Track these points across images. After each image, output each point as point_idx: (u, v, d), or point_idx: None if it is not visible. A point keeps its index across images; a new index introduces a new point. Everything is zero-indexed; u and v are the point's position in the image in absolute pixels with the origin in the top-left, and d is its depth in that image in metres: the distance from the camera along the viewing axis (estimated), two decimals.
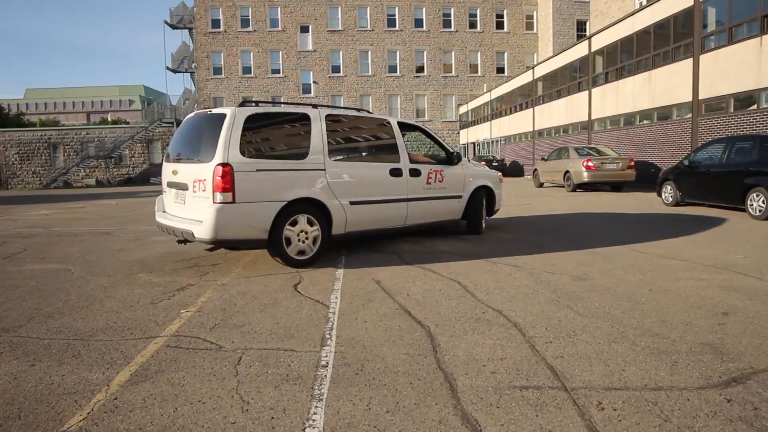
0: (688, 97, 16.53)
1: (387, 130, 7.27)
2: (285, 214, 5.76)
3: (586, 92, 23.53)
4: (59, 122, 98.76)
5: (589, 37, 23.32)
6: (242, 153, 5.52)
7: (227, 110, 5.66)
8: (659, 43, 18.25)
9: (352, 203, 6.42)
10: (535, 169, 20.41)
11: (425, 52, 50.16)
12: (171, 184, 6.19)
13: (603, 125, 22.54)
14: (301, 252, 5.99)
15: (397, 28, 49.87)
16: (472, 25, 50.34)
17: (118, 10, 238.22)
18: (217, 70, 49.50)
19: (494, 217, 9.92)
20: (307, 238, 5.99)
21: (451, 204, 7.97)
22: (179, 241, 6.17)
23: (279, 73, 49.72)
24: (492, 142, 38.42)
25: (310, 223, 6.01)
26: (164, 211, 6.49)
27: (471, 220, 8.39)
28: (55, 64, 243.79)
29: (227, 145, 5.43)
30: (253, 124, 5.73)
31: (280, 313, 4.22)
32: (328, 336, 3.65)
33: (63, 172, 47.07)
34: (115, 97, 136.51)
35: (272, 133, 6.13)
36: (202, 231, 5.42)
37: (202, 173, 5.50)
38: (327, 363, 3.16)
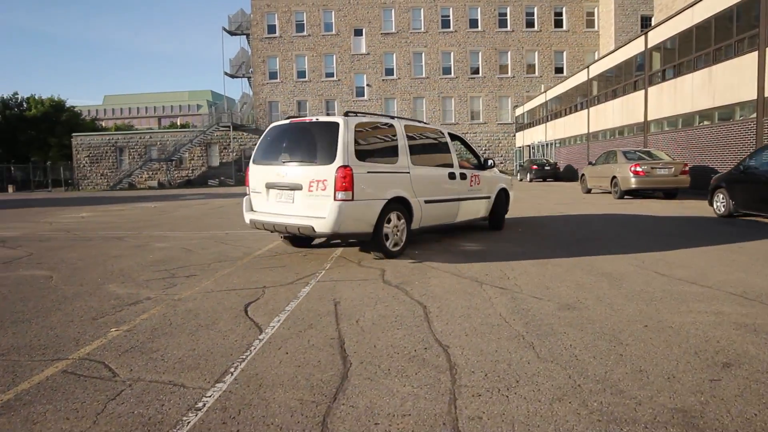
0: (752, 95, 14.97)
1: (442, 139, 8.41)
2: (384, 211, 6.60)
3: (642, 91, 22.00)
4: (133, 126, 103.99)
5: (646, 32, 21.78)
6: (356, 157, 6.35)
7: (338, 119, 6.50)
8: (721, 36, 16.70)
9: (426, 201, 7.42)
10: (582, 174, 19.19)
11: (480, 53, 49.05)
12: (274, 185, 6.80)
13: (660, 126, 20.98)
14: (396, 244, 6.91)
15: (451, 29, 49.06)
16: (530, 24, 48.79)
17: (185, 18, 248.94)
18: (273, 75, 50.34)
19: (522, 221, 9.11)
20: (399, 232, 6.92)
21: (483, 204, 9.14)
22: (285, 237, 7.49)
23: (333, 76, 49.99)
24: (547, 144, 36.93)
25: (399, 219, 6.91)
26: (257, 210, 7.11)
27: (495, 217, 9.55)
28: (130, 72, 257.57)
29: (345, 149, 6.26)
30: (360, 131, 6.64)
31: (206, 337, 3.80)
32: (232, 369, 3.18)
33: (127, 175, 49.22)
34: (184, 102, 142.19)
35: (373, 139, 7.04)
36: (325, 225, 6.16)
37: (321, 174, 6.27)
38: (203, 406, 2.69)
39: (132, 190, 43.59)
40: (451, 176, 8.14)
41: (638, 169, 15.06)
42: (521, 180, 33.56)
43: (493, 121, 49.40)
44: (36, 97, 70.48)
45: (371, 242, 6.76)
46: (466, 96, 49.41)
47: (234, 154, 49.86)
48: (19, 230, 11.56)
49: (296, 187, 6.50)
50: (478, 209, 8.99)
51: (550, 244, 7.81)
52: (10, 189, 48.61)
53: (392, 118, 7.50)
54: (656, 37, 20.86)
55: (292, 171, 6.62)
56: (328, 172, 6.22)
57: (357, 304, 4.62)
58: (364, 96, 49.90)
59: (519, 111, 46.68)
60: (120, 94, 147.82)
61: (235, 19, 51.78)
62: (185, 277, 6.01)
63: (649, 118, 21.52)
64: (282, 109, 49.99)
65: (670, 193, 15.95)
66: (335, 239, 7.12)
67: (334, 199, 6.15)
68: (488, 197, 9.20)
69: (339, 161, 6.20)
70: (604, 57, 26.93)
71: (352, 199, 6.20)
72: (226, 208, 16.78)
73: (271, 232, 7.07)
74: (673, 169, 14.99)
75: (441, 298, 4.79)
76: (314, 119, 6.83)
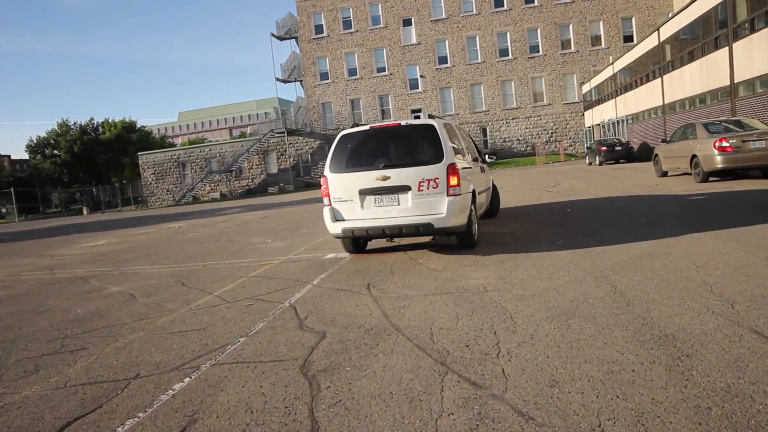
0: None
1: (465, 134, 9.32)
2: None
3: (725, 49, 18.57)
4: (206, 140, 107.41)
5: None
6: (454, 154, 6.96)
7: (431, 121, 7.08)
8: None
9: (479, 192, 7.96)
10: (656, 155, 16.21)
11: (539, 30, 45.58)
12: (372, 191, 6.88)
13: (751, 89, 17.56)
14: (475, 234, 7.45)
15: (505, 7, 45.94)
16: None
17: (247, 29, 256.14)
18: (324, 76, 49.35)
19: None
20: (476, 222, 7.50)
21: (487, 194, 9.60)
22: (389, 240, 8.27)
23: (384, 71, 48.30)
24: (618, 121, 33.29)
25: (474, 210, 7.40)
26: (349, 219, 7.05)
27: (492, 206, 10.36)
28: (201, 87, 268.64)
29: (448, 148, 6.81)
30: (447, 131, 7.27)
31: None
32: None
33: (190, 189, 49.95)
34: (252, 111, 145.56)
35: (453, 138, 7.58)
36: (443, 221, 6.60)
37: (431, 173, 6.66)
38: None
39: (195, 204, 44.02)
40: (482, 170, 9.28)
41: (724, 144, 12.15)
42: (590, 164, 30.28)
43: (558, 102, 45.80)
44: (109, 121, 73.85)
45: (463, 234, 7.09)
46: (526, 77, 46.13)
47: (291, 159, 49.38)
48: None
49: (403, 189, 6.71)
50: (487, 199, 9.58)
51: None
52: (85, 211, 50.66)
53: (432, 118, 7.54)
54: None
55: (397, 174, 6.75)
56: (439, 170, 6.64)
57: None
58: (418, 88, 47.85)
59: (586, 88, 42.89)
60: (193, 110, 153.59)
61: (283, 24, 51.24)
62: (69, 352, 4.50)
63: (736, 80, 18.11)
64: (336, 110, 48.93)
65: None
66: (445, 234, 7.12)
67: (447, 195, 6.60)
68: (489, 188, 9.91)
69: (448, 159, 6.68)
70: (676, 14, 23.38)
71: (459, 194, 6.66)
72: (248, 225, 15.46)
73: (365, 238, 7.58)
74: None
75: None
76: (402, 123, 7.24)
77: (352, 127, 7.51)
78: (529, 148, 45.88)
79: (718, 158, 12.23)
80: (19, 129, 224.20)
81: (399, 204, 6.77)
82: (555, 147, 45.27)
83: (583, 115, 44.70)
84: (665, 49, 24.81)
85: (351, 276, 6.32)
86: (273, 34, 50.79)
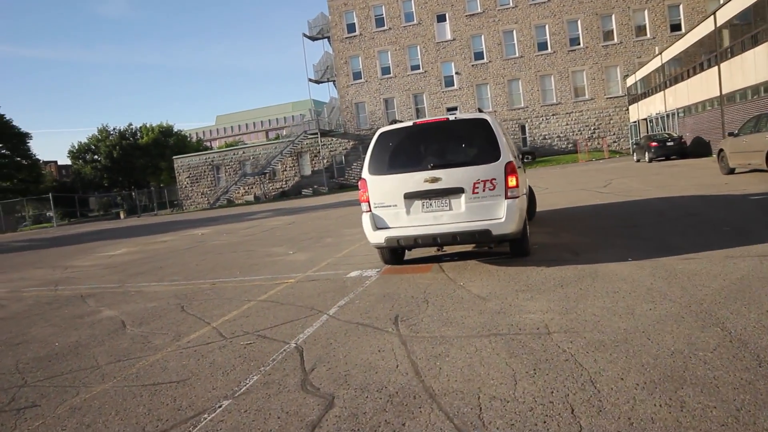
0: None
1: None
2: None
3: None
4: (241, 143, 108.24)
5: None
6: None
7: (484, 116, 6.27)
8: None
9: (524, 195, 6.77)
10: (721, 150, 14.52)
11: (579, 21, 43.50)
12: (420, 194, 6.09)
13: None
14: (528, 241, 6.64)
15: None
16: None
17: (280, 31, 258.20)
18: (357, 75, 48.43)
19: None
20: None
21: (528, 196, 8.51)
22: (439, 249, 7.25)
23: (419, 69, 47.03)
24: (667, 115, 31.16)
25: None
26: (393, 227, 6.27)
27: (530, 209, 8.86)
28: (238, 90, 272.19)
29: (504, 145, 6.02)
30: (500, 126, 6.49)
31: None
32: None
33: (224, 192, 49.75)
34: (288, 114, 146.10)
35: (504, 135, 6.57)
36: (503, 227, 5.80)
37: (488, 174, 5.87)
38: None
39: (228, 207, 43.71)
40: (523, 171, 8.06)
41: None
42: (638, 161, 28.35)
43: (601, 96, 43.61)
44: (147, 126, 74.95)
45: (518, 241, 6.32)
46: (566, 71, 44.10)
47: (325, 161, 48.64)
48: (4, 285, 9.92)
49: (456, 192, 5.97)
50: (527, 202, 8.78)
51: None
52: (122, 215, 51.09)
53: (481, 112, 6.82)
54: None
55: (448, 174, 5.98)
56: (496, 170, 5.90)
57: None
58: (453, 85, 46.41)
59: (630, 81, 40.63)
60: (229, 113, 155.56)
61: (315, 24, 50.58)
62: (15, 412, 3.57)
63: None
64: (369, 110, 47.95)
65: None
66: (503, 241, 6.34)
67: (506, 197, 5.87)
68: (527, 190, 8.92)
69: (505, 157, 5.93)
70: None
71: (518, 196, 5.92)
72: (272, 233, 14.52)
73: (411, 247, 6.53)
74: None
75: None
76: (451, 118, 6.33)
77: (391, 123, 6.69)
78: (570, 146, 43.89)
79: None
80: (63, 136, 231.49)
81: (451, 209, 6.02)
82: (598, 144, 43.15)
83: (627, 109, 42.43)
84: (723, 35, 22.80)
85: (376, 304, 5.18)
86: (305, 35, 50.18)
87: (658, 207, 9.87)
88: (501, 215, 5.85)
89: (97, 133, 72.44)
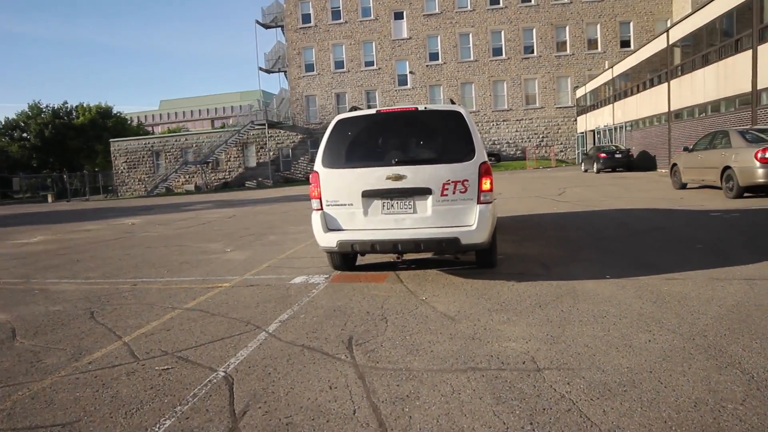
0: None
1: None
2: None
3: (749, 52, 16.99)
4: (187, 130, 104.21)
5: None
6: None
7: (458, 108, 5.57)
8: None
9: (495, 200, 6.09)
10: (674, 164, 14.51)
11: (534, 30, 43.94)
12: (382, 193, 5.33)
13: None
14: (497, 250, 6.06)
15: (501, 5, 44.18)
16: None
17: (232, 18, 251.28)
18: (309, 67, 47.16)
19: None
20: None
21: None
22: (399, 257, 6.01)
23: (373, 65, 46.25)
24: (615, 128, 31.75)
25: None
26: (347, 229, 5.47)
27: None
28: (185, 77, 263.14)
29: (479, 143, 5.37)
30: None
31: None
32: None
33: (163, 179, 47.35)
34: (235, 103, 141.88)
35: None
36: (474, 236, 5.14)
37: (459, 174, 5.20)
38: None
39: (167, 196, 41.53)
40: None
41: None
42: (586, 171, 28.70)
43: (551, 105, 44.23)
44: (84, 105, 70.73)
45: (486, 251, 5.68)
46: (519, 78, 44.46)
47: (271, 153, 47.09)
48: None
49: (422, 192, 5.25)
50: None
51: None
52: (50, 198, 47.78)
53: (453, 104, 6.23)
54: None
55: (415, 172, 5.26)
56: (469, 170, 5.24)
57: None
58: (407, 84, 45.90)
59: (580, 92, 41.37)
60: (174, 99, 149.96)
61: (269, 11, 48.93)
62: None
63: (759, 87, 16.53)
64: (320, 103, 46.79)
65: None
66: (467, 251, 5.67)
67: (478, 202, 5.23)
68: None
69: (480, 156, 5.30)
70: (690, 14, 21.79)
71: (491, 201, 5.32)
72: (210, 226, 13.42)
73: (367, 253, 5.70)
74: None
75: None
76: (422, 108, 5.60)
77: (351, 110, 5.91)
78: (519, 152, 44.29)
79: (760, 171, 10.55)
80: None
81: (415, 212, 5.30)
82: (546, 152, 43.75)
83: (575, 120, 43.22)
84: (674, 53, 23.24)
85: (324, 320, 4.38)
86: (258, 22, 48.44)
87: (619, 219, 9.52)
88: (471, 222, 5.18)
89: (27, 110, 67.62)
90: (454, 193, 5.19)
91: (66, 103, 70.76)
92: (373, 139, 5.74)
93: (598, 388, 2.87)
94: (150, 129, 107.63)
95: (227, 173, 48.46)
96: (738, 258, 5.85)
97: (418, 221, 5.28)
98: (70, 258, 9.01)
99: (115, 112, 72.68)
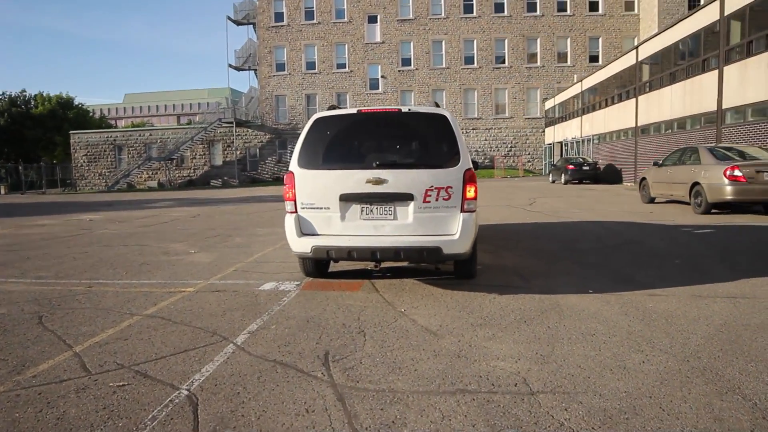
0: None
1: None
2: None
3: (715, 72, 17.41)
4: (152, 125, 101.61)
5: None
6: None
7: (443, 111, 5.35)
8: None
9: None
10: (644, 179, 14.70)
11: (506, 41, 44.42)
12: (361, 197, 5.03)
13: (741, 116, 16.41)
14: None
15: (474, 14, 44.53)
16: (561, 8, 43.96)
17: (205, 15, 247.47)
18: (280, 67, 46.51)
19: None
20: None
21: None
22: (376, 265, 5.58)
23: (345, 67, 45.93)
24: (582, 141, 32.28)
25: None
26: (323, 234, 5.15)
27: None
28: (151, 71, 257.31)
29: (464, 148, 5.18)
30: None
31: None
32: None
33: (125, 175, 45.93)
34: (203, 100, 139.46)
35: None
36: (456, 245, 4.91)
37: (443, 180, 4.98)
38: None
39: (128, 192, 40.26)
40: None
41: (737, 173, 10.63)
42: (553, 182, 29.02)
43: (520, 116, 44.74)
44: (44, 95, 68.25)
45: (466, 262, 5.47)
46: (490, 88, 44.85)
47: (238, 152, 46.20)
48: None
49: (404, 198, 5.02)
50: None
51: None
52: (2, 190, 45.74)
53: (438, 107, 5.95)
54: (738, 0, 16.28)
55: (397, 177, 5.02)
56: (454, 176, 5.01)
57: None
58: (378, 88, 45.73)
59: (549, 104, 41.99)
60: (140, 93, 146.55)
61: (241, 8, 48.09)
62: None
63: (724, 106, 16.95)
64: (290, 104, 46.19)
65: None
66: (448, 260, 5.40)
67: (462, 211, 5.00)
68: None
69: (465, 162, 5.09)
70: (660, 33, 22.27)
71: (474, 210, 5.10)
72: (173, 225, 12.89)
73: (343, 259, 5.31)
74: None
75: None
76: (405, 109, 5.37)
77: (330, 108, 5.61)
78: (487, 161, 44.57)
79: (729, 188, 10.69)
80: None
81: (396, 218, 5.04)
82: (514, 162, 44.20)
83: (543, 131, 43.84)
84: (643, 69, 23.72)
85: (298, 332, 4.08)
86: (229, 18, 47.57)
87: (593, 231, 9.48)
88: (454, 231, 4.94)
89: None
90: (437, 199, 4.96)
91: (24, 91, 67.90)
92: (353, 140, 5.47)
93: (598, 414, 2.66)
94: (113, 122, 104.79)
95: (192, 171, 47.31)
96: (716, 275, 5.80)
97: (399, 228, 5.02)
98: (21, 255, 8.43)
99: (76, 103, 70.28)
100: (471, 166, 5.16)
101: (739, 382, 3.05)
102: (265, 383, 3.11)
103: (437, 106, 5.67)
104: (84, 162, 48.56)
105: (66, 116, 66.07)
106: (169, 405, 2.85)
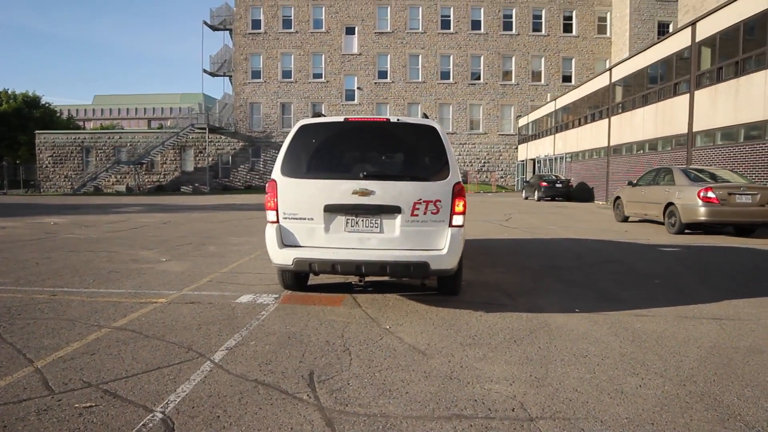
0: None
1: None
2: None
3: (686, 96, 17.86)
4: (122, 127, 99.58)
5: (693, 24, 17.68)
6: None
7: (432, 123, 5.26)
8: None
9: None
10: (618, 197, 14.90)
11: (482, 58, 45.03)
12: (347, 209, 4.84)
13: (711, 139, 16.83)
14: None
15: (451, 30, 45.07)
16: (536, 28, 44.86)
17: (182, 19, 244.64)
18: (256, 74, 46.15)
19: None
20: None
21: None
22: (360, 279, 5.72)
23: (321, 77, 45.85)
24: (555, 158, 32.76)
25: None
26: (305, 246, 4.93)
27: None
28: (123, 73, 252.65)
29: (453, 161, 5.08)
30: None
31: None
32: None
33: (92, 178, 44.71)
34: (175, 105, 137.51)
35: None
36: (444, 261, 4.77)
37: (432, 193, 4.86)
38: None
39: (95, 196, 39.12)
40: None
41: (710, 194, 10.81)
42: (526, 198, 29.34)
43: (494, 132, 45.27)
44: (9, 92, 66.21)
45: (451, 278, 5.35)
46: (465, 103, 45.31)
47: (210, 159, 45.49)
48: None
49: (391, 211, 4.84)
50: None
51: None
52: None
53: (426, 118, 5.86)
54: (708, 28, 16.78)
55: (384, 188, 4.85)
56: (443, 190, 4.88)
57: None
58: (354, 100, 45.74)
59: (523, 121, 42.59)
60: (110, 94, 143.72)
61: (218, 13, 47.64)
62: None
63: (695, 129, 17.37)
64: (264, 112, 45.80)
65: (745, 229, 11.74)
66: (434, 276, 5.24)
67: (450, 225, 4.87)
68: None
69: (455, 176, 4.98)
70: (634, 56, 22.81)
71: (462, 225, 4.95)
72: (143, 231, 12.46)
73: (326, 272, 4.92)
74: (758, 196, 10.75)
75: None
76: (395, 120, 5.26)
77: (315, 116, 5.39)
78: (461, 176, 44.85)
79: (702, 209, 10.86)
80: None
81: (382, 231, 4.88)
82: (487, 177, 44.62)
83: (516, 148, 44.39)
84: (616, 91, 24.23)
85: (279, 349, 3.87)
86: (206, 23, 47.04)
87: (572, 248, 9.48)
88: (442, 246, 4.81)
89: None
90: (425, 213, 4.82)
91: None
92: (340, 150, 5.29)
93: None
94: (81, 124, 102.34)
95: (162, 176, 46.35)
96: (698, 296, 5.80)
97: (385, 242, 4.85)
98: None
99: (43, 102, 68.31)
100: (460, 179, 5.04)
101: (739, 408, 2.97)
102: (247, 406, 2.90)
103: (426, 117, 5.55)
104: (49, 163, 47.16)
105: (32, 115, 64.16)
106: (143, 430, 2.61)
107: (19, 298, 5.44)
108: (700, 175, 12.29)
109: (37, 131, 49.34)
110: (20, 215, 17.46)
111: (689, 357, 3.81)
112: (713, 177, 12.28)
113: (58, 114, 77.14)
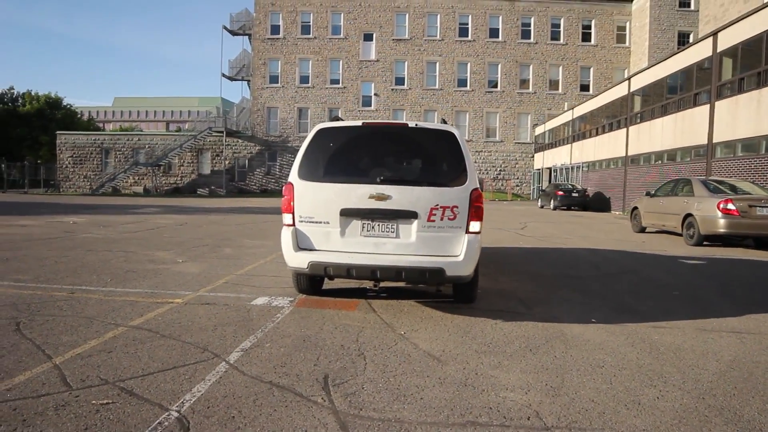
0: None
1: None
2: None
3: (706, 106, 17.65)
4: (140, 129, 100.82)
5: (714, 34, 17.50)
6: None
7: (450, 128, 5.20)
8: None
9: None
10: (635, 207, 14.75)
11: (499, 66, 44.92)
12: (363, 213, 4.84)
13: (731, 150, 16.61)
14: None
15: (469, 38, 45.04)
16: (555, 36, 44.67)
17: (201, 24, 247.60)
18: (274, 79, 46.48)
19: None
20: None
21: None
22: (375, 284, 5.42)
23: (338, 83, 46.04)
24: (572, 168, 32.53)
25: None
26: (320, 249, 4.93)
27: None
28: (143, 75, 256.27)
29: (471, 167, 5.01)
30: None
31: None
32: None
33: (111, 178, 45.31)
34: (193, 108, 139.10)
35: None
36: (460, 267, 4.72)
37: (449, 199, 4.82)
38: None
39: (113, 197, 39.64)
40: None
41: (730, 206, 10.66)
42: (542, 207, 29.14)
43: (510, 140, 45.09)
44: (32, 93, 67.51)
45: (467, 285, 5.27)
46: (481, 111, 45.20)
47: (227, 162, 45.86)
48: None
49: (408, 216, 4.83)
50: None
51: None
52: None
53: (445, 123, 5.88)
54: (729, 38, 16.60)
55: (401, 193, 4.84)
56: (460, 196, 4.84)
57: None
58: (370, 106, 45.85)
59: (539, 130, 42.39)
60: (130, 97, 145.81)
61: (238, 18, 48.14)
62: None
63: (715, 140, 17.15)
64: (281, 116, 46.10)
65: (765, 242, 11.55)
66: (450, 283, 5.09)
67: (467, 232, 4.82)
68: None
69: (473, 182, 4.91)
70: (652, 66, 22.62)
71: (479, 232, 4.89)
72: (160, 232, 12.59)
73: (341, 277, 4.91)
74: None
75: None
76: (413, 124, 5.22)
77: (334, 120, 5.45)
78: None
79: (722, 221, 10.71)
80: None
81: (398, 236, 4.85)
82: (502, 185, 44.44)
83: (533, 156, 44.17)
84: (635, 100, 24.03)
85: (294, 352, 3.88)
86: (225, 27, 47.53)
87: (589, 259, 9.39)
88: (458, 252, 4.76)
89: None
90: (441, 219, 4.78)
91: (12, 88, 67.15)
92: (357, 154, 5.27)
93: None
94: (101, 125, 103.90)
95: (179, 178, 46.80)
96: (718, 309, 5.71)
97: (401, 247, 4.83)
98: None
99: (65, 104, 69.66)
100: (478, 186, 4.99)
101: (760, 423, 2.91)
102: (261, 407, 2.90)
103: (444, 122, 5.55)
104: (69, 163, 47.85)
105: (54, 116, 65.37)
106: (158, 428, 2.63)
107: (39, 295, 5.53)
108: (720, 187, 12.13)
109: (58, 132, 50.10)
110: (40, 214, 17.74)
111: (708, 370, 3.75)
112: (733, 189, 12.12)
113: (79, 115, 78.50)
